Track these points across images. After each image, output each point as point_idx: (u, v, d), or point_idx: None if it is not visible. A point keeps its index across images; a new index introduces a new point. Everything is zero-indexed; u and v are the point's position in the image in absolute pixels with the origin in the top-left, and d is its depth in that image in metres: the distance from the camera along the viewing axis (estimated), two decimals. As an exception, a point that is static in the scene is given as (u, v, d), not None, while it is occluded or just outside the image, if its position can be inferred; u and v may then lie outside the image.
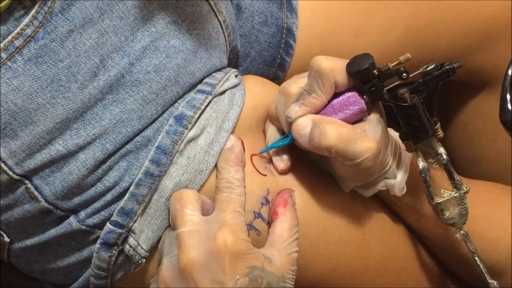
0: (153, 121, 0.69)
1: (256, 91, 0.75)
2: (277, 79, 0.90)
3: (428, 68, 0.66)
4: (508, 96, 0.58)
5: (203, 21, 0.73)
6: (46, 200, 0.67)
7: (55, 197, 0.67)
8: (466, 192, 0.69)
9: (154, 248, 0.70)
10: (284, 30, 0.88)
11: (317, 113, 0.67)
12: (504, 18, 0.90)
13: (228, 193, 0.66)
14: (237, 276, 0.61)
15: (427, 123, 0.66)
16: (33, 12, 0.63)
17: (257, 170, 0.71)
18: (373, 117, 0.67)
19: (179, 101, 0.71)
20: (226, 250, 0.61)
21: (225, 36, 0.78)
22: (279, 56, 0.88)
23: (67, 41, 0.64)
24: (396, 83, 0.66)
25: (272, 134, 0.73)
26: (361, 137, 0.64)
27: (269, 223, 0.69)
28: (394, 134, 0.71)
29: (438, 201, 0.69)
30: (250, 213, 0.69)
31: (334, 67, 0.65)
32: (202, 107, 0.70)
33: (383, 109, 0.68)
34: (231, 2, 0.84)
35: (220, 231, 0.62)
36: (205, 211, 0.67)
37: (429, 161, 0.69)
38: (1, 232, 0.71)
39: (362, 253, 0.75)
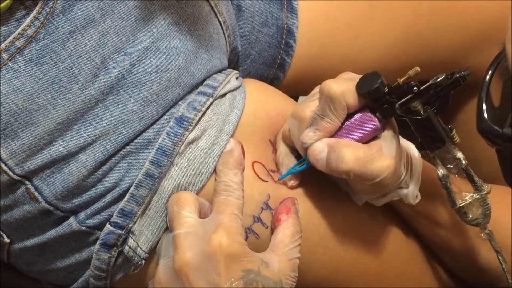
0: (154, 123, 0.69)
1: (258, 97, 0.75)
2: (277, 80, 0.90)
3: (439, 80, 0.65)
4: (484, 106, 0.58)
5: (204, 22, 0.73)
6: (46, 201, 0.67)
7: (55, 198, 0.67)
8: (488, 193, 0.70)
9: (153, 250, 0.70)
10: (284, 31, 0.88)
11: (331, 136, 0.67)
12: (504, 18, 0.90)
13: (226, 196, 0.66)
14: (232, 279, 0.61)
15: (443, 132, 0.66)
16: (34, 12, 0.63)
17: (258, 176, 0.71)
18: (387, 134, 0.67)
19: (180, 103, 0.71)
20: (221, 252, 0.61)
21: (225, 37, 0.78)
22: (279, 57, 0.88)
23: (68, 42, 0.64)
24: (408, 97, 0.65)
25: (283, 150, 0.73)
26: (378, 156, 0.64)
27: (272, 230, 0.69)
28: (403, 142, 0.71)
29: (461, 205, 0.70)
30: (249, 217, 0.70)
31: (345, 90, 0.65)
32: (203, 109, 0.70)
33: (395, 124, 0.68)
34: (232, 3, 0.84)
35: (216, 233, 0.62)
36: (203, 214, 0.67)
37: (448, 166, 0.69)
38: (1, 233, 0.71)
39: (362, 258, 0.75)
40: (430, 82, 0.65)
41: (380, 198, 0.71)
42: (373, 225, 0.76)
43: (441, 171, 0.68)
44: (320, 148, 0.66)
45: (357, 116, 0.66)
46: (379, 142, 0.66)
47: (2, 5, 0.61)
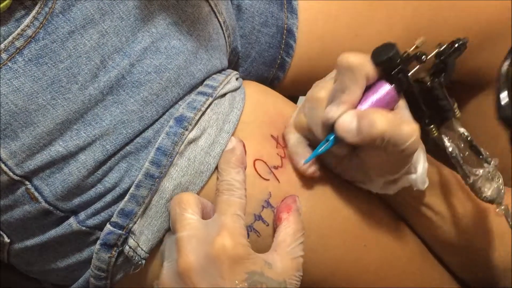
0: (154, 122, 0.69)
1: (256, 98, 0.75)
2: (278, 80, 0.90)
3: (442, 48, 0.67)
4: (502, 95, 0.59)
5: (204, 22, 0.73)
6: (46, 201, 0.67)
7: (55, 198, 0.67)
8: (497, 166, 0.70)
9: (154, 249, 0.70)
10: (285, 31, 0.88)
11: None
12: (504, 18, 0.91)
13: (228, 195, 0.66)
14: (236, 282, 0.61)
15: (450, 103, 0.68)
16: (33, 12, 0.63)
17: (259, 174, 0.71)
18: (402, 104, 0.67)
19: (179, 103, 0.71)
20: (225, 254, 0.61)
21: (225, 37, 0.78)
22: (280, 57, 0.88)
23: (68, 42, 0.64)
24: (417, 66, 0.67)
25: (295, 140, 0.72)
26: (404, 120, 0.65)
27: (274, 229, 0.69)
28: None
29: (475, 179, 0.70)
30: (250, 215, 0.69)
31: (363, 61, 0.65)
32: (203, 108, 0.70)
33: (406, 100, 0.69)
34: (232, 3, 0.84)
35: (219, 235, 0.62)
36: (206, 214, 0.67)
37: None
38: (1, 233, 0.71)
39: (362, 258, 0.75)
40: (436, 50, 0.67)
41: (392, 184, 0.71)
42: (373, 225, 0.76)
43: (451, 146, 0.69)
44: (349, 119, 0.65)
45: (374, 88, 0.67)
46: (399, 111, 0.67)
47: (1, 5, 0.61)
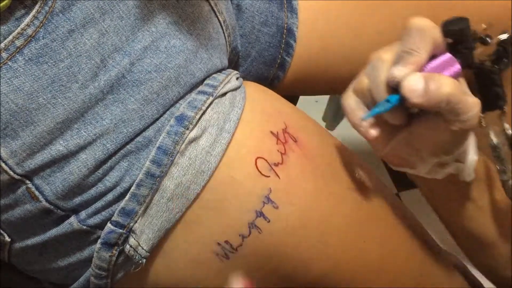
0: (154, 121, 0.69)
1: (254, 96, 0.75)
2: (278, 79, 0.90)
3: (507, 36, 0.66)
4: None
5: (204, 21, 0.73)
6: (47, 200, 0.67)
7: (56, 197, 0.67)
8: None
9: (154, 249, 0.70)
10: (285, 30, 0.88)
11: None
12: (504, 18, 0.90)
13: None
14: None
15: (503, 92, 0.67)
16: (34, 12, 0.63)
17: (260, 172, 0.71)
18: (462, 81, 0.66)
19: (180, 102, 0.70)
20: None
21: (225, 37, 0.78)
22: (280, 56, 0.88)
23: (68, 41, 0.64)
24: (478, 49, 0.66)
25: (356, 105, 0.69)
26: (468, 92, 0.65)
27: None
28: None
29: (510, 176, 0.69)
30: (251, 212, 0.69)
31: (432, 25, 0.65)
32: (203, 108, 0.70)
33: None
34: (232, 2, 0.84)
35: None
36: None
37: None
38: (2, 232, 0.71)
39: (362, 255, 0.75)
40: (500, 37, 0.66)
41: (441, 168, 0.70)
42: (373, 222, 0.76)
43: (495, 139, 0.68)
44: (416, 79, 0.63)
45: (440, 58, 0.66)
46: (461, 86, 0.66)
47: (1, 4, 0.61)
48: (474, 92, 0.67)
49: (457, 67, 0.66)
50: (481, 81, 0.66)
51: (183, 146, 0.69)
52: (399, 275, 0.78)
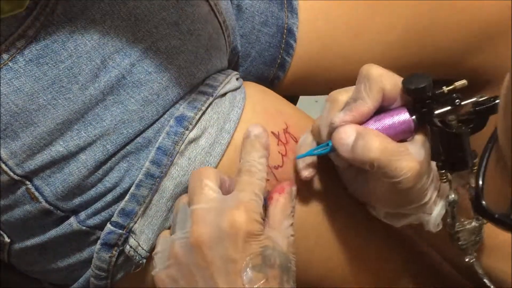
0: (154, 122, 0.69)
1: (255, 97, 0.75)
2: (278, 79, 0.90)
3: (482, 99, 0.63)
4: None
5: (203, 21, 0.73)
6: (46, 201, 0.67)
7: (56, 198, 0.67)
8: (485, 223, 0.68)
9: (154, 249, 0.70)
10: (285, 30, 0.88)
11: (362, 123, 0.65)
12: (504, 18, 0.90)
13: (250, 176, 0.65)
14: (251, 255, 0.61)
15: (469, 155, 0.63)
16: (34, 13, 0.63)
17: None
18: (418, 140, 0.64)
19: (180, 102, 0.70)
20: (241, 228, 0.61)
21: (225, 37, 0.78)
22: (280, 56, 0.88)
23: (69, 42, 0.64)
24: (448, 108, 0.63)
25: (304, 140, 0.71)
26: (405, 155, 0.62)
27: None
28: (434, 167, 0.67)
29: (458, 229, 0.68)
30: None
31: (383, 73, 0.64)
32: (203, 108, 0.70)
33: (428, 136, 0.65)
34: (232, 2, 0.84)
35: (236, 209, 0.62)
36: (224, 190, 0.66)
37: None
38: (2, 233, 0.71)
39: (359, 256, 0.75)
40: (474, 99, 0.63)
41: (398, 217, 0.69)
42: (371, 225, 0.75)
43: (452, 196, 0.66)
44: (348, 133, 0.63)
45: (393, 112, 0.64)
46: (409, 144, 0.63)
47: (6, 9, 0.61)
48: (438, 148, 0.64)
49: (409, 125, 0.64)
50: (443, 141, 0.63)
51: (183, 146, 0.69)
52: (398, 276, 0.78)
